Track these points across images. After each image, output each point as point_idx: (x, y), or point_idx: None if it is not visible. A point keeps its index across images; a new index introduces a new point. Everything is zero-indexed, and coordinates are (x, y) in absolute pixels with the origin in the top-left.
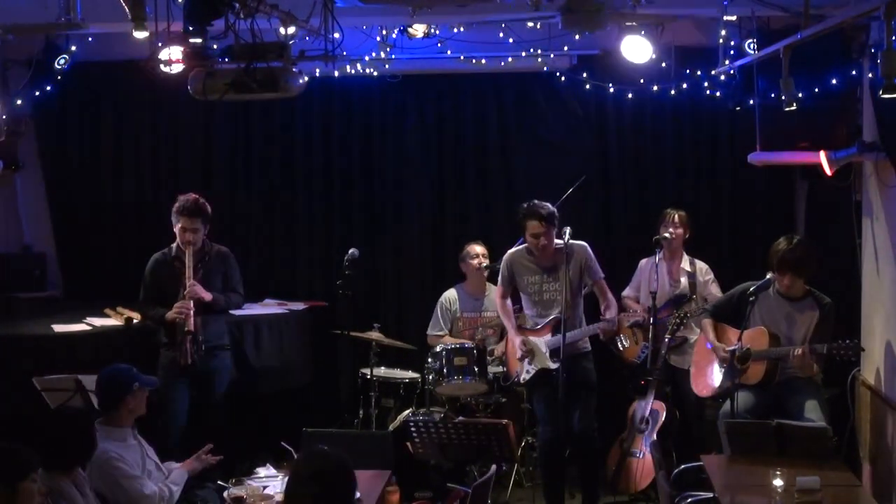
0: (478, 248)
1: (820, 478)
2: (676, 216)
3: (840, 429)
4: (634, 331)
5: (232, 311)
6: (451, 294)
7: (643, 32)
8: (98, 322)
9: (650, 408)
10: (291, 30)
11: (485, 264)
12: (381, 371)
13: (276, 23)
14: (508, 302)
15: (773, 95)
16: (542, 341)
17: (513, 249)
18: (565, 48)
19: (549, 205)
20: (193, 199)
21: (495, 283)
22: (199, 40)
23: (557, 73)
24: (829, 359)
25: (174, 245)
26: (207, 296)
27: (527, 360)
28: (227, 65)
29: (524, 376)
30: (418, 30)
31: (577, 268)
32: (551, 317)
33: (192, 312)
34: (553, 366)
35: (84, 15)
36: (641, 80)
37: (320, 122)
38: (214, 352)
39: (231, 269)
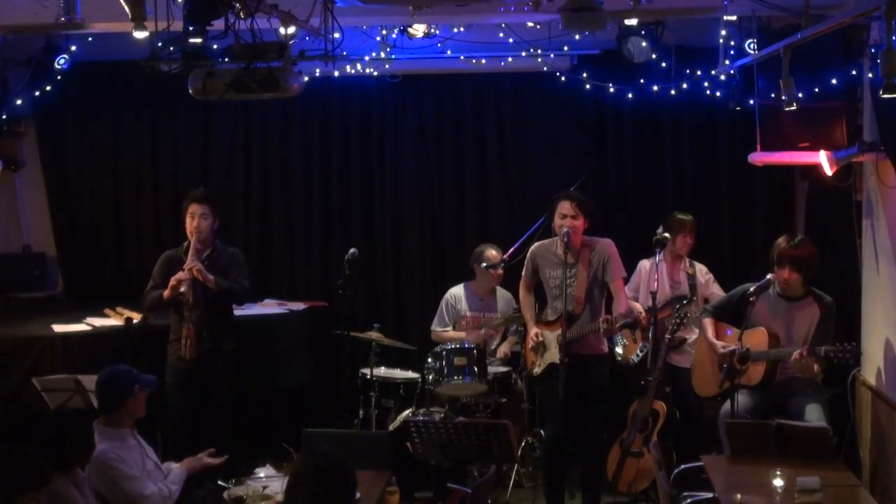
0: (495, 253)
1: (820, 478)
2: (691, 225)
3: (840, 429)
4: (633, 330)
5: (233, 312)
6: (457, 291)
7: (643, 32)
8: (98, 322)
9: (650, 408)
10: (291, 30)
11: (484, 266)
12: (381, 371)
13: (276, 23)
14: (531, 295)
15: (773, 95)
16: (554, 336)
17: (538, 242)
18: (565, 48)
19: (587, 196)
20: (202, 189)
21: (504, 287)
22: (199, 40)
23: (557, 73)
24: (828, 361)
25: (186, 242)
26: (208, 276)
27: (539, 353)
28: (227, 65)
29: (536, 370)
30: (418, 30)
31: (598, 264)
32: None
33: (189, 284)
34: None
35: (84, 15)
36: (641, 80)
37: (320, 121)
38: (219, 352)
39: (237, 265)
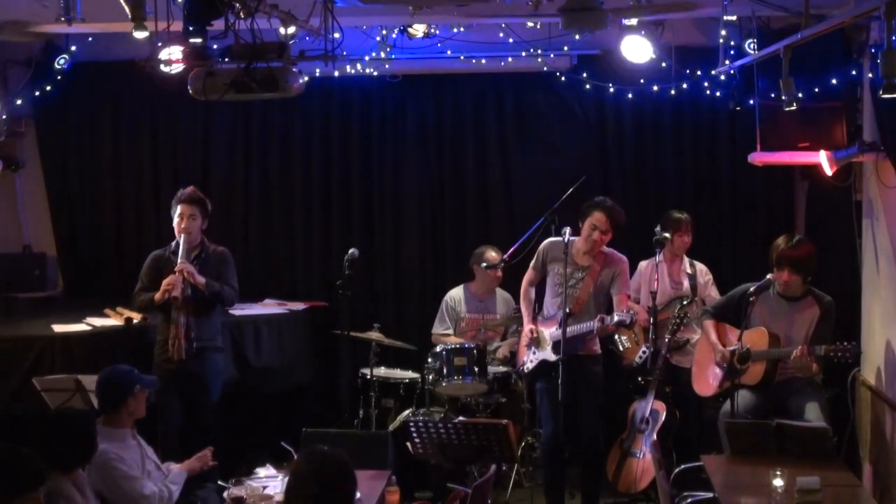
0: (494, 254)
1: (820, 478)
2: (687, 223)
3: (840, 429)
4: (635, 332)
5: (232, 311)
6: (456, 294)
7: (643, 32)
8: (98, 322)
9: (650, 408)
10: (291, 30)
11: (484, 266)
12: (381, 371)
13: (276, 23)
14: (532, 290)
15: (773, 95)
16: (548, 333)
17: (551, 238)
18: (565, 48)
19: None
20: (192, 189)
21: (504, 288)
22: (199, 40)
23: (557, 73)
24: (828, 360)
25: (173, 242)
26: (200, 279)
27: (532, 349)
28: (227, 65)
29: (528, 366)
30: (418, 30)
31: (608, 276)
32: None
33: (181, 287)
34: (553, 358)
35: (84, 15)
36: (641, 80)
37: (320, 122)
38: (206, 353)
39: (226, 266)
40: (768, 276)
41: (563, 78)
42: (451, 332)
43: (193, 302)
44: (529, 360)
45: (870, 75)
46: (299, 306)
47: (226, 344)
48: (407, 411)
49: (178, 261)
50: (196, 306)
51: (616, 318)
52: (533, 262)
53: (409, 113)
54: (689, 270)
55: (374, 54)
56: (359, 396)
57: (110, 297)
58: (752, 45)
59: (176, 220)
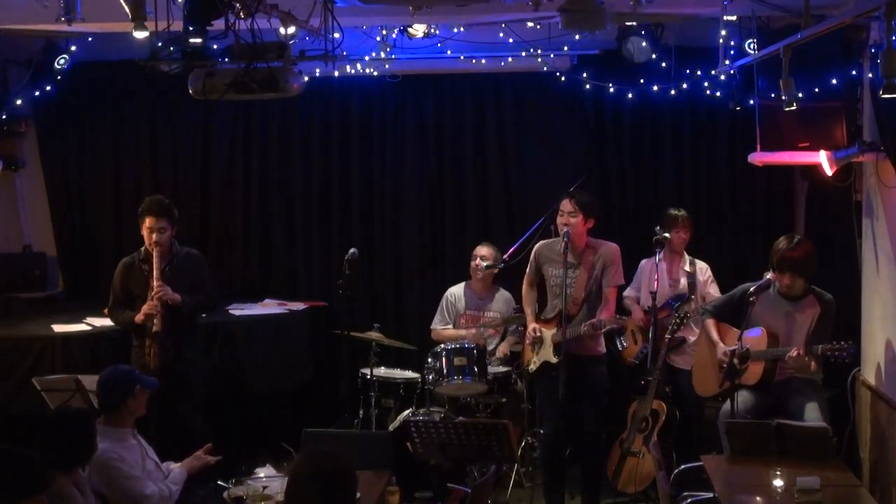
0: (482, 251)
1: (820, 478)
2: (683, 219)
3: (840, 429)
4: (634, 331)
5: (232, 311)
6: (457, 290)
7: (643, 32)
8: (98, 322)
9: (650, 408)
10: (291, 30)
11: (484, 265)
12: (381, 371)
13: (276, 23)
14: (534, 290)
15: (773, 95)
16: (550, 333)
17: (542, 241)
18: (565, 48)
19: (590, 197)
20: (159, 199)
21: (504, 287)
22: (199, 40)
23: (557, 73)
24: (826, 360)
25: (143, 248)
26: (175, 297)
27: (535, 349)
28: (227, 65)
29: (531, 367)
30: (418, 30)
31: (600, 267)
32: (560, 310)
33: (160, 314)
34: (554, 360)
35: (84, 15)
36: (641, 80)
37: (320, 122)
38: (184, 356)
39: (200, 271)
40: (768, 276)
41: (563, 78)
42: (448, 326)
43: (169, 311)
44: (533, 361)
45: (870, 75)
46: (299, 306)
47: (225, 344)
48: (407, 411)
49: (154, 281)
50: (171, 315)
51: (607, 327)
52: (528, 267)
53: (408, 113)
54: (687, 269)
55: (374, 54)
56: (359, 396)
57: (110, 297)
58: (752, 45)
59: (144, 232)
